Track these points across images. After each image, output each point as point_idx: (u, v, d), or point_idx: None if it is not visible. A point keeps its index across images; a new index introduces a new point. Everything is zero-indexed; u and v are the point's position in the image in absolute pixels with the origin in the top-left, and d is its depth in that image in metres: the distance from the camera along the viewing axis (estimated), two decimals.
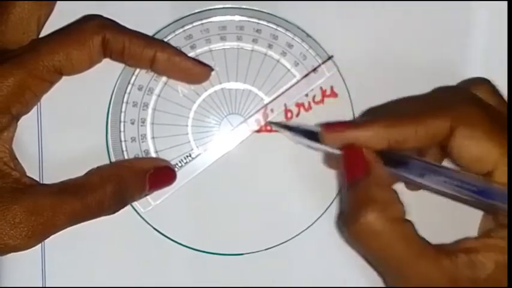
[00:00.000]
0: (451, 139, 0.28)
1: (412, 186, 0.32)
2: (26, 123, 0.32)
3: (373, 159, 0.29)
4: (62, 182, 0.30)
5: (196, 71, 0.32)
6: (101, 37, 0.30)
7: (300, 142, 0.32)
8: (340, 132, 0.29)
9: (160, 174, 0.32)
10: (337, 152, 0.30)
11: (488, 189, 0.27)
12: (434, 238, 0.28)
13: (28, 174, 0.31)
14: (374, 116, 0.31)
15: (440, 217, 0.33)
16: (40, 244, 0.32)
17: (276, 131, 0.33)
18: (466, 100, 0.29)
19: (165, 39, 0.33)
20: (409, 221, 0.28)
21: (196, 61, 0.32)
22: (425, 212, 0.31)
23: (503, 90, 0.33)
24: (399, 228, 0.28)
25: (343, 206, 0.30)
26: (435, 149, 0.31)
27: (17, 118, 0.30)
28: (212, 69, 0.33)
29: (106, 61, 0.31)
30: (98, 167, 0.31)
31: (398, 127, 0.28)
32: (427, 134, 0.28)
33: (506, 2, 0.34)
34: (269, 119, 0.33)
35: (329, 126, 0.29)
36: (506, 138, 0.28)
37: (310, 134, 0.31)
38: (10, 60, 0.29)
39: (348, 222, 0.28)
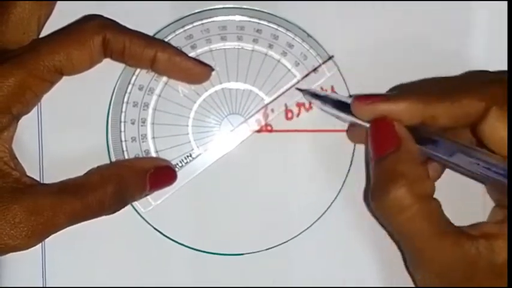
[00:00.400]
0: (484, 120, 0.27)
1: (434, 172, 0.32)
2: (26, 123, 0.32)
3: (404, 133, 0.29)
4: (62, 182, 0.30)
5: (197, 71, 0.32)
6: (102, 37, 0.30)
7: (329, 112, 0.32)
8: (373, 105, 0.29)
9: (161, 174, 0.32)
10: (366, 124, 0.29)
11: None
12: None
13: (28, 174, 0.31)
14: (407, 91, 0.30)
15: (460, 201, 0.33)
16: (40, 244, 0.32)
17: (276, 130, 0.33)
18: (499, 82, 0.28)
19: (166, 39, 0.33)
20: (436, 200, 0.28)
21: (196, 61, 0.32)
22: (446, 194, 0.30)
23: None
24: (426, 205, 0.28)
25: (371, 179, 0.29)
26: (465, 131, 0.30)
27: (17, 118, 0.30)
28: (213, 69, 0.33)
29: (106, 61, 0.31)
30: (98, 167, 0.31)
31: (433, 103, 0.28)
32: (461, 112, 0.28)
33: (506, 2, 0.34)
34: (269, 119, 0.33)
35: (362, 98, 0.29)
36: None
37: (340, 104, 0.31)
38: (10, 60, 0.29)
39: (375, 196, 0.29)
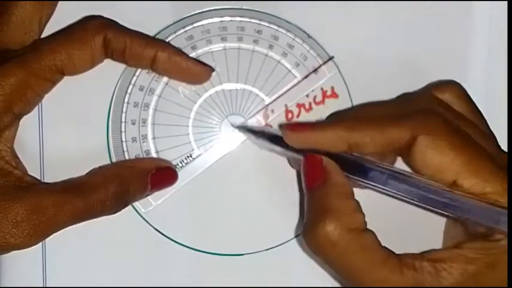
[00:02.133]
0: (414, 148, 0.27)
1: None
2: (27, 123, 0.32)
3: (332, 167, 0.29)
4: (64, 181, 0.30)
5: (197, 71, 0.32)
6: (103, 37, 0.30)
7: (264, 146, 0.32)
8: (301, 133, 0.29)
9: (162, 174, 0.32)
10: (300, 157, 0.29)
11: (457, 200, 0.27)
12: (400, 246, 0.28)
13: (29, 173, 0.31)
14: (337, 118, 0.31)
15: (405, 224, 0.33)
16: (41, 244, 0.32)
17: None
18: (426, 110, 0.28)
19: (166, 40, 0.33)
20: (369, 231, 0.28)
21: (196, 61, 0.32)
22: (390, 219, 0.31)
23: (504, 90, 0.34)
24: (357, 238, 0.27)
25: (305, 213, 0.29)
26: (393, 157, 0.31)
27: (18, 117, 0.30)
28: (213, 70, 0.33)
29: (107, 62, 0.31)
30: (100, 167, 0.31)
31: (357, 131, 0.28)
32: (385, 140, 0.28)
33: (506, 2, 0.34)
34: (269, 119, 0.33)
35: (291, 126, 0.29)
36: (467, 148, 0.27)
37: (274, 138, 0.30)
38: (12, 60, 0.29)
39: (306, 232, 0.28)
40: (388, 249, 0.28)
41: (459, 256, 0.27)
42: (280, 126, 0.30)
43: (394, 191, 0.28)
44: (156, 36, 0.33)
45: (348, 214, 0.27)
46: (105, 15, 0.32)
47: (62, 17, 0.32)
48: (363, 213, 0.28)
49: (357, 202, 0.28)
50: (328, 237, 0.27)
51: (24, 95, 0.29)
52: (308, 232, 0.28)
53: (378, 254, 0.27)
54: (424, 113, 0.28)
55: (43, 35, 0.32)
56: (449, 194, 0.27)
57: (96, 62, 0.31)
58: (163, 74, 0.32)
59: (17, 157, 0.30)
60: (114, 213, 0.31)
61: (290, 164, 0.33)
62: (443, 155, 0.27)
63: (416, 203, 0.28)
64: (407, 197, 0.28)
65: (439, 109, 0.29)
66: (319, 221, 0.27)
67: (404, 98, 0.32)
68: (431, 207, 0.28)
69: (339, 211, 0.27)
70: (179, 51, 0.32)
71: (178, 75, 0.32)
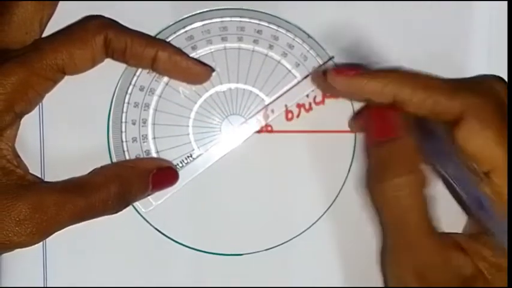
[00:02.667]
0: (459, 127, 0.27)
1: None
2: (28, 123, 0.32)
3: (407, 123, 0.29)
4: (66, 180, 0.30)
5: (197, 71, 0.32)
6: (103, 36, 0.30)
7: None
8: (348, 77, 0.29)
9: (163, 174, 0.32)
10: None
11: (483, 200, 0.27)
12: None
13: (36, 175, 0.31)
14: (388, 70, 0.30)
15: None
16: (41, 244, 0.33)
17: (276, 131, 0.33)
18: (483, 92, 0.28)
19: (167, 40, 0.33)
20: (432, 197, 0.28)
21: (197, 61, 0.32)
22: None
23: None
24: (420, 199, 0.28)
25: (369, 164, 0.30)
26: None
27: (20, 116, 0.30)
28: (213, 70, 0.33)
29: (107, 62, 0.31)
30: (101, 167, 0.31)
31: (408, 88, 0.28)
32: (433, 107, 0.27)
33: (506, 2, 0.34)
34: (269, 119, 0.33)
35: (337, 69, 0.30)
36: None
37: None
38: (14, 59, 0.29)
39: (373, 180, 0.29)
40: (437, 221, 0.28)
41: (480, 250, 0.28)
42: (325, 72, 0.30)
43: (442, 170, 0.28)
44: (157, 37, 0.33)
45: (418, 172, 0.28)
46: (105, 15, 0.32)
47: (62, 17, 0.32)
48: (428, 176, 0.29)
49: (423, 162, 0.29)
50: (395, 190, 0.28)
51: (26, 94, 0.29)
52: (374, 181, 0.29)
53: (433, 223, 0.28)
54: (480, 95, 0.27)
55: (44, 35, 0.32)
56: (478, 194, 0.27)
57: (97, 61, 0.31)
58: (163, 73, 0.32)
59: (19, 156, 0.30)
60: (116, 213, 0.31)
61: (349, 125, 0.33)
62: (485, 145, 0.27)
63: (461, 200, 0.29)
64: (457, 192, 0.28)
65: (497, 98, 0.28)
66: (390, 172, 0.28)
67: (461, 79, 0.31)
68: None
69: (410, 167, 0.28)
70: (180, 51, 0.32)
71: (179, 75, 0.32)
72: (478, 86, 0.28)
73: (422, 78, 0.28)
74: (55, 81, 0.31)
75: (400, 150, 0.28)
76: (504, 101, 0.28)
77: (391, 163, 0.28)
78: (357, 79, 0.29)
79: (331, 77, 0.29)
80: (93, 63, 0.31)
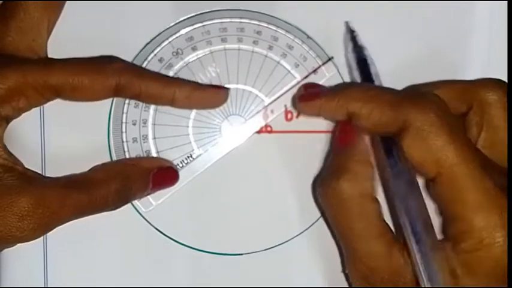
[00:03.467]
0: (403, 137, 0.28)
1: None
2: (29, 123, 0.32)
3: (361, 136, 0.31)
4: (67, 176, 0.30)
5: (217, 99, 0.32)
6: (115, 82, 0.30)
7: (350, 61, 0.33)
8: (307, 102, 0.31)
9: (164, 174, 0.32)
10: None
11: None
12: None
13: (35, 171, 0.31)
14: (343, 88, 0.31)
15: None
16: (42, 244, 0.33)
17: (276, 131, 0.34)
18: (426, 103, 0.28)
19: (166, 41, 0.33)
20: (377, 201, 0.29)
21: (214, 88, 0.32)
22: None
23: None
24: (366, 204, 0.29)
25: (324, 168, 0.32)
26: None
27: (6, 120, 0.30)
28: (229, 89, 0.33)
29: None
30: (102, 164, 0.32)
31: (358, 102, 0.29)
32: (379, 119, 0.28)
33: (506, 2, 0.34)
34: (269, 120, 0.34)
35: (302, 97, 0.32)
36: (453, 151, 0.27)
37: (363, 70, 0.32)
38: (18, 67, 0.29)
39: (322, 183, 0.30)
40: (387, 224, 0.29)
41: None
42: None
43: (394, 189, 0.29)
44: (157, 38, 0.33)
45: (364, 179, 0.29)
46: (106, 17, 0.32)
47: (62, 17, 0.32)
48: (375, 183, 0.30)
49: (374, 173, 0.30)
50: (340, 193, 0.29)
51: (17, 102, 0.29)
52: (323, 184, 0.30)
53: (379, 226, 0.29)
54: (422, 105, 0.28)
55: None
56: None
57: (99, 100, 0.31)
58: (183, 108, 0.33)
59: (12, 154, 0.30)
60: (115, 209, 0.31)
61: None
62: (427, 152, 0.28)
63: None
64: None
65: (442, 104, 0.29)
66: (337, 177, 0.29)
67: (409, 89, 0.32)
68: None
69: (357, 174, 0.29)
70: (197, 85, 0.32)
71: (199, 106, 0.33)
72: (420, 97, 0.29)
73: (370, 92, 0.30)
74: (48, 100, 0.31)
75: (352, 157, 0.30)
76: (446, 111, 0.28)
77: (341, 168, 0.29)
78: (314, 102, 0.31)
79: (298, 106, 0.32)
80: (94, 100, 0.31)
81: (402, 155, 0.29)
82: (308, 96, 0.31)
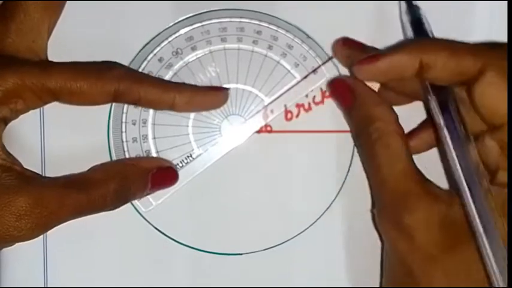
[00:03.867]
0: (478, 82, 0.28)
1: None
2: (29, 123, 0.32)
3: (360, 85, 0.31)
4: (66, 176, 0.30)
5: (216, 101, 0.32)
6: (113, 89, 0.30)
7: (405, 22, 0.33)
8: (373, 63, 0.30)
9: (163, 174, 0.32)
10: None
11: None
12: None
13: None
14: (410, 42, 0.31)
15: None
16: (42, 244, 0.33)
17: (276, 131, 0.34)
18: (503, 49, 0.28)
19: (166, 41, 0.33)
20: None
21: (214, 91, 0.32)
22: None
23: None
24: (401, 139, 0.30)
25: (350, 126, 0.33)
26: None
27: (4, 121, 0.30)
28: (228, 89, 0.33)
29: None
30: (102, 164, 0.32)
31: (431, 52, 0.28)
32: (457, 66, 0.28)
33: (506, 2, 0.34)
34: (269, 119, 0.34)
35: (361, 60, 0.30)
36: None
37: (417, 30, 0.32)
38: (17, 69, 0.29)
39: (355, 135, 0.32)
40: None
41: None
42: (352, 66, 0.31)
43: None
44: (157, 37, 0.33)
45: (396, 121, 0.30)
46: (105, 16, 0.32)
47: (61, 17, 0.32)
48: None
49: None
50: (373, 133, 0.30)
51: (15, 104, 0.29)
52: (357, 137, 0.32)
53: (412, 164, 0.30)
54: (500, 52, 0.28)
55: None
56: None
57: (95, 104, 0.31)
58: (183, 112, 0.33)
59: (11, 154, 0.30)
60: (113, 209, 0.31)
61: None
62: (502, 97, 0.27)
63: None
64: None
65: None
66: (369, 124, 0.30)
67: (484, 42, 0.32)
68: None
69: (387, 117, 0.30)
70: (196, 89, 0.32)
71: (200, 110, 0.33)
72: (496, 46, 0.29)
73: (443, 42, 0.29)
74: (46, 103, 0.31)
75: (364, 105, 0.31)
76: None
77: (368, 118, 0.30)
78: (382, 60, 0.29)
79: (358, 70, 0.30)
80: (93, 105, 0.31)
81: (457, 109, 0.29)
82: (373, 57, 0.30)
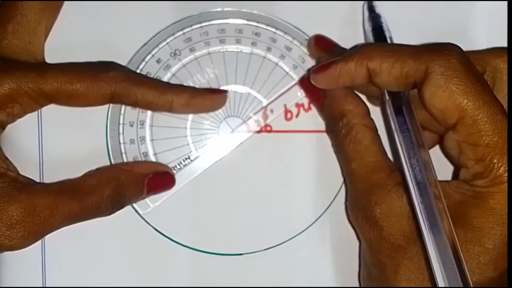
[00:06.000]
0: (425, 85, 0.28)
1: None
2: (26, 125, 0.32)
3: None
4: (59, 182, 0.30)
5: (215, 104, 0.32)
6: (110, 91, 0.30)
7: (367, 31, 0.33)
8: (325, 72, 0.30)
9: (159, 179, 0.32)
10: None
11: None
12: None
13: (28, 176, 0.31)
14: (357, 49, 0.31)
15: None
16: (40, 244, 0.33)
17: (276, 131, 0.33)
18: (446, 49, 0.28)
19: (165, 42, 0.33)
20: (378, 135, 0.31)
21: (212, 93, 0.32)
22: None
23: None
24: (371, 132, 0.30)
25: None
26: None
27: (1, 125, 0.30)
28: (227, 92, 0.33)
29: None
30: (96, 169, 0.31)
31: (376, 58, 0.29)
32: (401, 70, 0.28)
33: (506, 2, 0.33)
34: (269, 120, 0.33)
35: (315, 70, 0.31)
36: (475, 95, 0.27)
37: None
38: (13, 72, 0.29)
39: (327, 130, 0.33)
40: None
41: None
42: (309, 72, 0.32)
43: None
44: (155, 38, 0.33)
45: (365, 115, 0.31)
46: (105, 16, 0.32)
47: (61, 16, 0.32)
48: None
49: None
50: (342, 128, 0.30)
51: (12, 108, 0.29)
52: (329, 131, 0.33)
53: (381, 156, 0.30)
54: (443, 53, 0.28)
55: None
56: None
57: (92, 106, 0.31)
58: (182, 113, 0.33)
59: (7, 159, 0.30)
60: (109, 214, 0.31)
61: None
62: (450, 97, 0.27)
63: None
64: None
65: (460, 55, 0.28)
66: (338, 119, 0.31)
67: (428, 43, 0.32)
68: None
69: (356, 111, 0.30)
70: (194, 91, 0.32)
71: (198, 112, 0.33)
72: (441, 46, 0.29)
73: (388, 47, 0.29)
74: (43, 106, 0.31)
75: (333, 101, 0.31)
76: (467, 58, 0.28)
77: (331, 115, 0.31)
78: (332, 69, 0.30)
79: (315, 79, 0.31)
80: (90, 106, 0.31)
81: (411, 113, 0.29)
82: (325, 66, 0.30)
